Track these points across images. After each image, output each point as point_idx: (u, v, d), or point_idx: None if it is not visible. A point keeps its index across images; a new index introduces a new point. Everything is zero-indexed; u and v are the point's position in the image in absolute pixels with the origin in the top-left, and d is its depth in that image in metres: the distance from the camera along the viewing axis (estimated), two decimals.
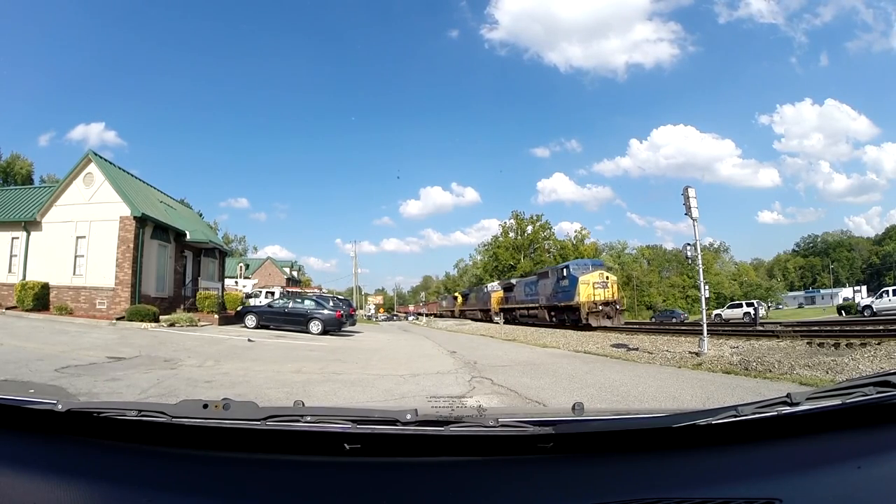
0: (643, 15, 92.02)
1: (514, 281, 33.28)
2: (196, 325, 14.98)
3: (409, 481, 0.86)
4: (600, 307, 20.14)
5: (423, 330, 28.59)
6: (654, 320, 42.48)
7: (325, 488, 0.85)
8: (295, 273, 63.68)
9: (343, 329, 17.35)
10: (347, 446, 0.90)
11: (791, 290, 71.23)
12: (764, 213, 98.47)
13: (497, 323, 30.69)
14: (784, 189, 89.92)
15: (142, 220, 15.94)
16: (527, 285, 28.52)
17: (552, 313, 23.82)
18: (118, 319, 14.25)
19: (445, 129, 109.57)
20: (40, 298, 15.30)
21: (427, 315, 53.50)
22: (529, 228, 62.39)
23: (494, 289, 36.88)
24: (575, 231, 65.46)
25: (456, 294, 53.02)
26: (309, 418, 0.94)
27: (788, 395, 0.99)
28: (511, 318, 30.17)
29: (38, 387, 2.93)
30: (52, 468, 0.88)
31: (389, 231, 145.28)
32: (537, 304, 25.73)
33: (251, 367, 7.64)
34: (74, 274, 16.08)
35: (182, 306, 17.55)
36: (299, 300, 18.33)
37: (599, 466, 0.91)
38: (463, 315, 44.67)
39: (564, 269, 23.20)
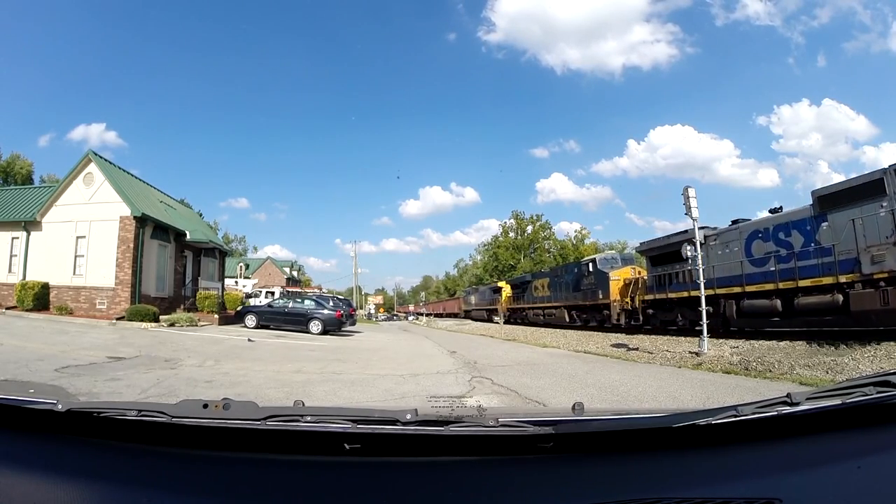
0: (641, 16, 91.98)
1: (715, 230, 13.22)
2: (196, 325, 14.99)
3: (409, 481, 0.86)
4: None
5: (424, 330, 28.61)
6: None
7: (325, 488, 0.85)
8: (295, 273, 63.75)
9: (343, 329, 17.38)
10: (347, 446, 0.90)
11: None
12: (764, 213, 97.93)
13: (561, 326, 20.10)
14: (784, 189, 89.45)
15: (142, 220, 15.95)
16: (765, 236, 11.67)
17: None
18: (118, 319, 14.26)
19: (445, 130, 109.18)
20: (40, 298, 15.32)
21: (427, 315, 52.32)
22: (529, 228, 62.30)
23: (611, 263, 18.47)
24: (575, 231, 65.18)
25: (500, 284, 32.96)
26: (309, 418, 0.94)
27: (788, 395, 0.99)
28: (718, 321, 12.31)
29: (38, 387, 2.92)
30: (52, 468, 0.88)
31: (389, 231, 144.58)
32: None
33: (251, 367, 7.64)
34: (74, 274, 16.09)
35: (182, 306, 17.57)
36: (299, 300, 18.36)
37: (599, 466, 0.91)
38: (514, 317, 27.77)
39: None
